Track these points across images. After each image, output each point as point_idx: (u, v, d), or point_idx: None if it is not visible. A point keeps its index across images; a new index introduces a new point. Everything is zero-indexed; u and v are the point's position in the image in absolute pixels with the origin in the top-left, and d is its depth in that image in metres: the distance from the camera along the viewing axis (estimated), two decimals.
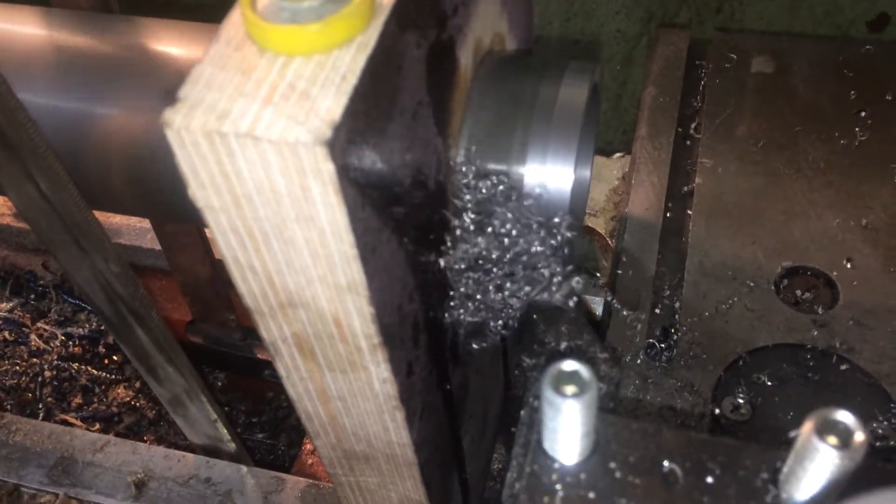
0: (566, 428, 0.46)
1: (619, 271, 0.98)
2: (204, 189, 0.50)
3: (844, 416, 0.42)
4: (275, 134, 0.45)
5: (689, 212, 1.04)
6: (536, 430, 0.49)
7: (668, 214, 1.05)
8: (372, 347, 0.60)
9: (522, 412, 0.53)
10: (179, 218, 1.00)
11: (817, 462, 0.42)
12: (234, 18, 0.52)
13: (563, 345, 0.62)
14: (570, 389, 0.45)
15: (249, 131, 0.46)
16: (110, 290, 0.88)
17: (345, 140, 0.48)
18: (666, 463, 0.48)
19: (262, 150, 0.46)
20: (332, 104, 0.47)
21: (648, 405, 0.83)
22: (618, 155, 1.48)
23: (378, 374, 0.63)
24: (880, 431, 0.79)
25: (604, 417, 0.49)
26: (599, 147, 1.39)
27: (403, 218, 0.61)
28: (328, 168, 0.46)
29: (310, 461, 1.39)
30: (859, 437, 0.41)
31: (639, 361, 0.88)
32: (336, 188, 0.48)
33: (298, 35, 0.48)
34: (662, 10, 1.60)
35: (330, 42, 0.49)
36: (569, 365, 0.44)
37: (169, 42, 0.82)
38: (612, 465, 0.49)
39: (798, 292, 0.94)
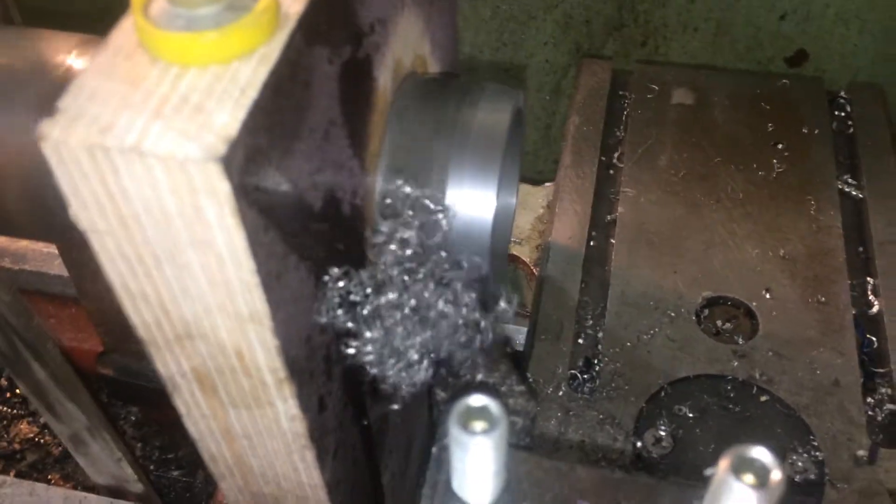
0: (475, 467, 0.43)
1: (542, 300, 0.96)
2: (87, 209, 0.46)
3: (761, 454, 0.40)
4: (162, 149, 0.42)
5: (612, 241, 1.04)
6: (445, 470, 0.46)
7: (591, 243, 1.05)
8: (278, 382, 0.56)
9: (433, 450, 0.50)
10: (81, 243, 0.94)
11: (733, 501, 0.41)
12: (126, 26, 0.48)
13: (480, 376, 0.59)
14: (478, 426, 0.42)
15: (135, 146, 0.42)
16: (1, 320, 0.82)
17: (243, 158, 0.44)
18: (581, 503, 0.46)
19: (149, 167, 0.43)
20: (228, 119, 0.43)
21: (570, 440, 0.81)
22: (547, 184, 1.48)
23: (286, 411, 0.59)
24: (800, 464, 0.79)
25: (515, 455, 0.47)
26: (529, 177, 1.39)
27: (314, 243, 0.58)
28: (223, 187, 0.43)
29: None
30: (776, 475, 0.39)
31: (560, 393, 0.86)
32: (233, 209, 0.44)
33: (193, 43, 0.45)
34: (589, 41, 1.62)
35: (228, 52, 0.46)
36: (477, 400, 0.42)
37: (70, 54, 0.77)
38: None
39: (719, 322, 0.94)
